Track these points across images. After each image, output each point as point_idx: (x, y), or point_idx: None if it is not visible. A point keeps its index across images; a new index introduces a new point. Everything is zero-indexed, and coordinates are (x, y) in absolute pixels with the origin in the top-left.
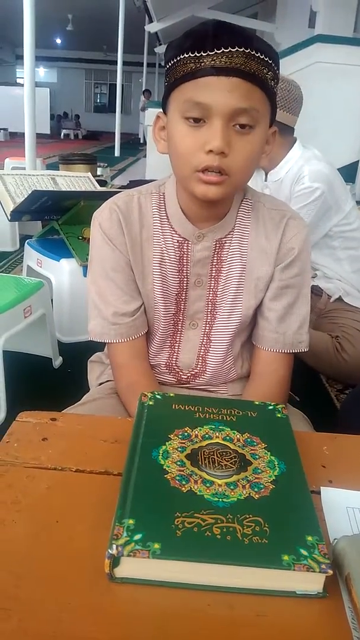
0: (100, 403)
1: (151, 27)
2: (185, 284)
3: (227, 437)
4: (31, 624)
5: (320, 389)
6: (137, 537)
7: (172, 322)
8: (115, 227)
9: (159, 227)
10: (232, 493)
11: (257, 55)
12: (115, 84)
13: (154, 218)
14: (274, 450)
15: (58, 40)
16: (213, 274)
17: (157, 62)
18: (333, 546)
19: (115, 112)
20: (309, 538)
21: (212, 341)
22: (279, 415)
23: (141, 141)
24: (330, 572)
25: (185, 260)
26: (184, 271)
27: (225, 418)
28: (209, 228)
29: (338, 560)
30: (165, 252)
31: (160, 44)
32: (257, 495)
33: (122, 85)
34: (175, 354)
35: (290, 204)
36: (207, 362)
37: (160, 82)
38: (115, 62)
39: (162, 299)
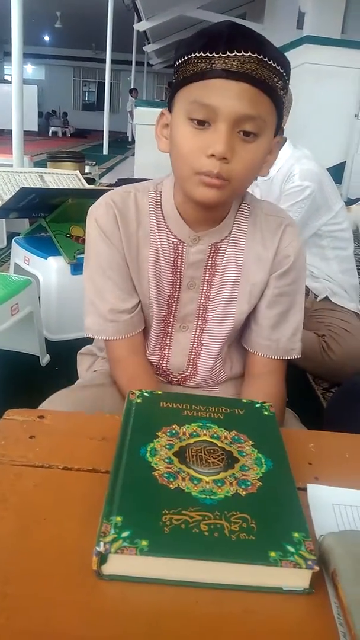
0: (97, 390)
1: (140, 26)
2: (178, 286)
3: (215, 435)
4: (18, 622)
5: (307, 387)
6: (125, 534)
7: (163, 324)
8: (112, 223)
9: (155, 227)
10: (220, 490)
11: (270, 62)
12: (104, 82)
13: (151, 217)
14: (261, 447)
15: (46, 38)
16: (206, 277)
17: (146, 60)
18: (319, 542)
19: (103, 110)
20: (296, 534)
21: (204, 344)
22: (266, 413)
23: (129, 140)
24: (317, 568)
25: (179, 262)
26: (178, 273)
27: (212, 416)
28: (205, 231)
29: (324, 556)
30: (160, 252)
31: (149, 43)
32: (244, 492)
33: (111, 83)
34: (165, 357)
35: (280, 202)
36: (198, 365)
37: (149, 82)
38: (104, 60)
39: (156, 299)
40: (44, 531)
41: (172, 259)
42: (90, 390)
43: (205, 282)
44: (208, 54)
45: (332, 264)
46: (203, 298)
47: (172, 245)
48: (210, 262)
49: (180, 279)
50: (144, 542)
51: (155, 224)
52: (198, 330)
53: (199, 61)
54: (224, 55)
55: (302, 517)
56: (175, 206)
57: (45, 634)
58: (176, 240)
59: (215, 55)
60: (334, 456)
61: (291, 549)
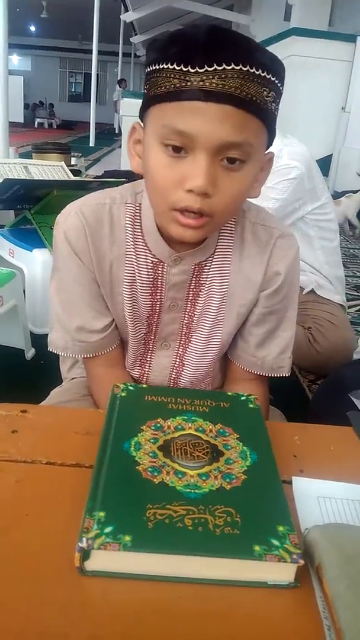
0: (69, 394)
1: (127, 17)
2: (158, 307)
3: (200, 428)
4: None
5: (293, 380)
6: (108, 529)
7: (143, 341)
8: (82, 241)
9: (132, 245)
10: (204, 484)
11: (258, 73)
12: (90, 73)
13: (127, 234)
14: (246, 440)
15: (32, 28)
16: (190, 298)
17: (133, 52)
18: (304, 536)
19: (90, 101)
20: (280, 528)
21: (185, 365)
22: (251, 405)
23: (116, 131)
24: (302, 562)
25: (159, 283)
26: (158, 295)
27: (197, 409)
28: (187, 251)
29: (309, 550)
30: (137, 273)
31: (135, 34)
32: (228, 486)
33: (97, 74)
34: (145, 374)
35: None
36: (180, 384)
37: (136, 73)
38: (90, 51)
39: (132, 321)
40: (26, 527)
41: (151, 280)
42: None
43: (189, 303)
44: (182, 67)
45: (318, 255)
46: (186, 318)
47: (150, 265)
48: (193, 282)
49: (160, 301)
50: (127, 538)
51: (132, 242)
52: (180, 349)
53: (172, 76)
54: (201, 70)
55: (287, 511)
56: (156, 223)
57: (27, 631)
58: (155, 260)
59: (191, 71)
60: (319, 448)
61: (276, 542)
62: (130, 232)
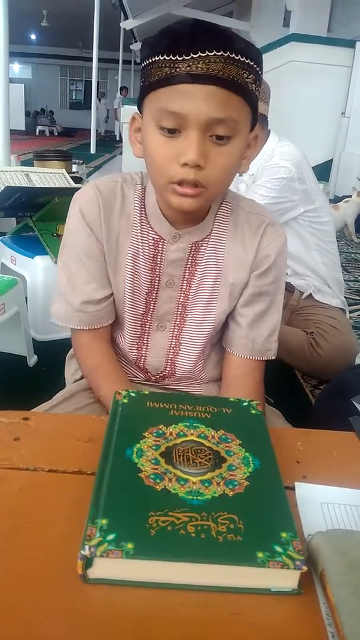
0: (71, 402)
1: (126, 24)
2: (156, 284)
3: (202, 435)
4: (1, 628)
5: (296, 385)
6: (111, 537)
7: (140, 322)
8: (95, 211)
9: (138, 221)
10: (207, 490)
11: (237, 57)
12: (91, 81)
13: (135, 210)
14: (249, 446)
15: (33, 36)
16: (186, 276)
17: (133, 59)
18: (307, 542)
19: (90, 108)
20: (284, 534)
21: (182, 345)
22: (253, 411)
23: (117, 138)
24: (305, 568)
25: (158, 260)
26: (157, 270)
27: (199, 415)
28: (186, 229)
29: (312, 556)
30: (140, 247)
31: (135, 41)
32: (231, 493)
33: (98, 82)
34: (142, 356)
35: (256, 182)
36: (177, 365)
37: (136, 80)
38: (91, 59)
39: (132, 297)
40: (29, 535)
41: (151, 255)
42: (68, 402)
43: (185, 281)
44: (171, 57)
45: (314, 255)
46: (182, 297)
47: (152, 241)
48: (190, 260)
49: (159, 277)
50: (130, 545)
51: (138, 218)
52: (176, 330)
53: (163, 65)
54: (187, 58)
55: (290, 517)
56: (157, 200)
57: None
58: (157, 237)
59: (179, 59)
60: (322, 454)
61: (279, 549)
62: (137, 209)
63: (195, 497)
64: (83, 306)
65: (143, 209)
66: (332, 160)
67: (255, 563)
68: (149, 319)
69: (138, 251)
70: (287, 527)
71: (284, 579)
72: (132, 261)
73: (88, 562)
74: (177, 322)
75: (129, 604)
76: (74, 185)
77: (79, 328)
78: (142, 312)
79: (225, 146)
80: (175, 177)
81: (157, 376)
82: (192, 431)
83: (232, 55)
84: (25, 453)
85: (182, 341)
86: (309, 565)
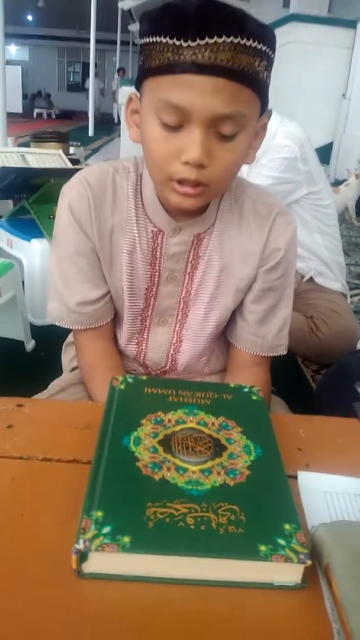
0: (67, 392)
1: (124, 4)
2: (156, 279)
3: (202, 422)
4: None
5: (296, 370)
6: (106, 530)
7: (140, 318)
8: (84, 208)
9: (133, 213)
10: (207, 480)
11: (249, 44)
12: (89, 62)
13: (129, 201)
14: (250, 434)
15: (30, 17)
16: (188, 271)
17: (131, 40)
18: (311, 534)
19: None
20: (287, 526)
21: (184, 341)
22: (254, 397)
23: (115, 121)
24: (309, 562)
25: (158, 254)
26: (157, 265)
27: (199, 401)
28: (187, 221)
29: (317, 549)
30: (137, 241)
31: (133, 22)
32: (232, 482)
33: (96, 63)
34: (142, 352)
35: (259, 162)
36: (178, 361)
37: (135, 61)
38: (88, 40)
39: (130, 293)
40: (22, 528)
41: (150, 249)
42: (64, 393)
43: (187, 276)
44: (175, 41)
45: (316, 237)
46: (184, 292)
47: (150, 234)
48: (192, 254)
49: (159, 272)
50: (126, 539)
51: (134, 210)
52: (177, 326)
53: (165, 49)
54: (193, 44)
55: (293, 508)
56: (156, 192)
57: (23, 636)
58: (155, 230)
59: (184, 45)
60: (325, 441)
61: (282, 542)
62: (132, 200)
63: (194, 487)
64: (79, 307)
65: (139, 200)
66: (332, 143)
67: (257, 557)
68: (149, 314)
69: (135, 245)
70: (290, 519)
71: (288, 573)
72: (129, 256)
73: (83, 556)
74: (178, 318)
75: (126, 600)
76: (70, 166)
77: (75, 328)
78: (141, 307)
79: (231, 142)
80: (176, 175)
81: (158, 371)
82: (191, 418)
83: (243, 42)
84: (19, 441)
85: (183, 337)
86: (313, 558)
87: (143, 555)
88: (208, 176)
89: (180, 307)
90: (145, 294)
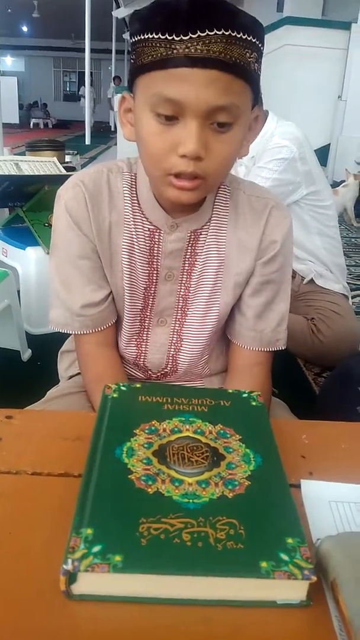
0: (66, 400)
1: (119, 13)
2: (155, 277)
3: (198, 430)
4: None
5: (298, 373)
6: (96, 549)
7: (139, 318)
8: (82, 208)
9: (130, 212)
10: (204, 492)
11: (240, 36)
12: (85, 72)
13: (125, 200)
14: (250, 442)
15: (25, 28)
16: (186, 268)
17: (126, 48)
18: (316, 548)
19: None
20: (290, 540)
21: (184, 340)
22: (254, 403)
23: (112, 129)
24: (314, 578)
25: (156, 252)
26: (154, 263)
27: (196, 409)
28: (183, 218)
29: (322, 563)
30: (135, 240)
31: (128, 30)
32: (231, 494)
33: (91, 72)
34: (142, 354)
35: (257, 164)
36: (179, 362)
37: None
38: (84, 50)
39: (130, 292)
40: (9, 547)
41: (147, 247)
42: (63, 401)
43: (185, 273)
44: (167, 36)
45: (314, 239)
46: (183, 290)
47: (147, 232)
48: (189, 251)
49: (157, 270)
50: (118, 558)
51: (130, 209)
52: (177, 325)
53: (158, 45)
54: (185, 38)
55: (296, 520)
56: (151, 189)
57: None
58: (152, 228)
59: (176, 39)
60: (329, 447)
61: (285, 557)
62: (128, 200)
63: (191, 500)
64: (84, 310)
65: (135, 199)
66: (329, 144)
67: (259, 574)
68: (148, 314)
69: (133, 244)
70: (293, 532)
71: (291, 590)
72: (128, 255)
73: (72, 577)
74: (178, 317)
75: (118, 623)
76: (64, 172)
77: (81, 333)
78: (140, 307)
79: (226, 134)
80: (173, 169)
81: (159, 374)
82: (187, 426)
83: (234, 34)
84: (7, 455)
85: (183, 337)
86: (319, 574)
87: (136, 575)
88: (205, 168)
89: (180, 306)
90: (144, 293)
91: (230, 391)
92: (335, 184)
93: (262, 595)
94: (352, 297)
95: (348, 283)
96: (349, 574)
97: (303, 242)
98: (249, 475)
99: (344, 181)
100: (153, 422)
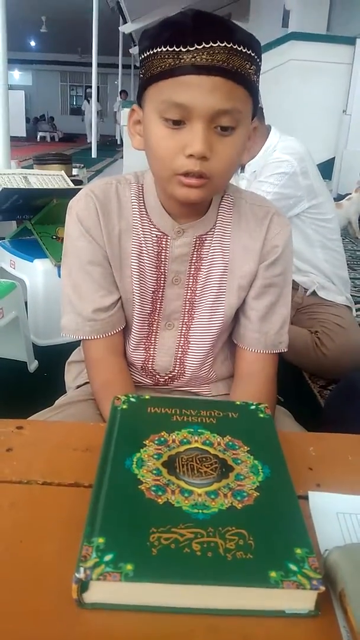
0: (75, 408)
1: (125, 28)
2: (162, 282)
3: (207, 441)
4: None
5: (303, 386)
6: (108, 557)
7: (147, 322)
8: (93, 217)
9: (138, 219)
10: (213, 503)
11: (240, 49)
12: (91, 86)
13: (133, 209)
14: (258, 453)
15: (32, 43)
16: (192, 272)
17: (132, 63)
18: (324, 558)
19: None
20: (298, 551)
21: (191, 343)
22: (261, 415)
23: (118, 142)
24: (323, 588)
25: (163, 256)
26: (162, 268)
27: (204, 420)
28: (189, 223)
29: (330, 574)
30: (143, 246)
31: (135, 45)
32: (240, 505)
33: (98, 87)
34: (150, 357)
35: (258, 178)
36: (186, 365)
37: (136, 83)
38: (91, 64)
39: (139, 296)
40: (21, 555)
41: (155, 252)
42: (72, 409)
43: (191, 277)
44: (175, 48)
45: (317, 252)
46: (189, 294)
47: (155, 238)
48: (195, 255)
49: (164, 274)
50: (129, 567)
51: (138, 217)
52: (184, 329)
53: (166, 56)
54: (192, 49)
55: (305, 531)
56: (158, 198)
57: None
58: (159, 234)
59: (183, 50)
60: (336, 459)
61: (294, 567)
62: (136, 208)
63: (200, 511)
64: (94, 314)
65: (142, 207)
66: (334, 158)
67: (267, 584)
68: (156, 318)
69: (142, 250)
70: (302, 543)
71: (300, 600)
72: (137, 260)
73: (84, 586)
74: (185, 320)
75: (130, 631)
76: (72, 186)
77: (91, 338)
78: (149, 311)
79: (229, 137)
80: (181, 169)
81: (166, 377)
82: (196, 438)
83: (235, 47)
84: (18, 465)
85: (190, 339)
86: (327, 584)
87: (147, 584)
88: (210, 168)
89: (187, 309)
90: (152, 297)
91: (238, 403)
92: (340, 197)
93: (271, 605)
94: (357, 310)
95: (353, 296)
96: (357, 584)
97: (305, 254)
98: (258, 486)
99: (349, 194)
100: (162, 434)
